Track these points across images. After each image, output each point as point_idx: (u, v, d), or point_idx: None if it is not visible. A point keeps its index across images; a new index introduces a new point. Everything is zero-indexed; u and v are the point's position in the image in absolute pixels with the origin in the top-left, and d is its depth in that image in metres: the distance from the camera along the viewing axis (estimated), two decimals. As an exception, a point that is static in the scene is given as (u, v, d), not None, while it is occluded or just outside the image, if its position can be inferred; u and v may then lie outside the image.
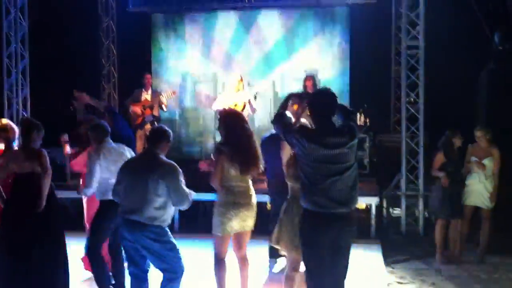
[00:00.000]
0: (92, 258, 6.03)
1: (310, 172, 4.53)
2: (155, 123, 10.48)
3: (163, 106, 10.86)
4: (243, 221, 5.55)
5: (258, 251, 7.30)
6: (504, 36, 11.23)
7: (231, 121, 5.60)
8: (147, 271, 5.32)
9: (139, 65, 12.49)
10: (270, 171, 6.85)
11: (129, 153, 6.14)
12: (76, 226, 7.63)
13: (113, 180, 5.65)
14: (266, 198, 7.48)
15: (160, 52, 12.96)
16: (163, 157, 5.19)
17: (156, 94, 10.96)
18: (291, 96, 5.10)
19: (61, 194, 7.34)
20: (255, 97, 10.35)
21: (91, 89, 13.46)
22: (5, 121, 6.38)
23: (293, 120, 5.46)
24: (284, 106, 5.08)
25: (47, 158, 5.70)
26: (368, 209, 9.03)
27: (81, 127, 7.19)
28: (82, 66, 12.86)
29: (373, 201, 8.84)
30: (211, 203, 5.85)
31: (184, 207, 5.25)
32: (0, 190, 5.69)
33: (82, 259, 6.68)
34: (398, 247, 8.36)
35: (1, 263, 5.58)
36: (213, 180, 5.44)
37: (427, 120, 9.30)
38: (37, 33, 11.02)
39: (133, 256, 5.19)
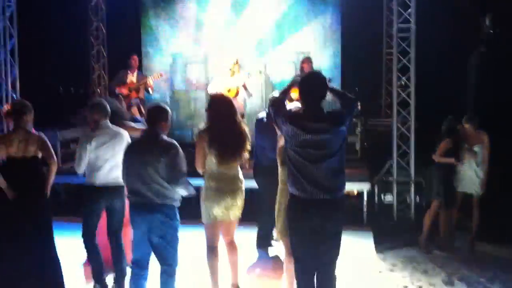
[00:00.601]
0: (84, 246, 6.00)
1: (295, 157, 4.53)
2: (141, 106, 10.42)
3: (149, 89, 10.74)
4: (227, 210, 5.49)
5: (246, 238, 7.38)
6: (495, 20, 11.24)
7: (217, 107, 5.53)
8: (148, 263, 5.25)
9: (129, 45, 12.38)
10: (259, 152, 6.92)
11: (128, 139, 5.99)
12: (68, 212, 7.61)
13: (99, 163, 5.76)
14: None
15: (150, 32, 12.77)
16: (165, 136, 5.15)
17: (142, 76, 10.85)
18: (294, 84, 4.98)
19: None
20: (248, 76, 10.26)
21: (80, 69, 13.48)
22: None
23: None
24: (285, 91, 4.96)
25: (50, 145, 5.78)
26: (359, 195, 9.05)
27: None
28: (71, 45, 12.75)
29: (364, 187, 8.84)
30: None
31: (181, 188, 5.09)
32: None
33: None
34: (390, 234, 8.39)
35: None
36: (196, 164, 5.48)
37: (418, 105, 9.27)
38: (25, 12, 10.85)
39: (138, 242, 5.16)
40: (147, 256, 5.21)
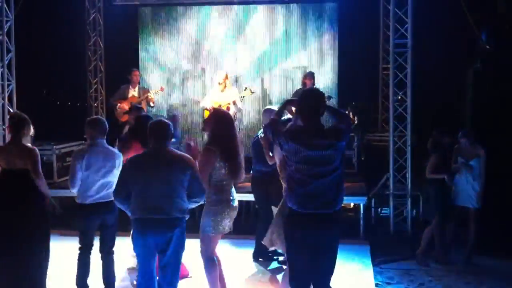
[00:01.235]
0: (78, 258, 5.98)
1: (295, 172, 4.56)
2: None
3: (150, 103, 10.80)
4: (231, 222, 5.58)
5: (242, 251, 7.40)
6: (491, 35, 11.29)
7: (220, 122, 5.56)
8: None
9: (126, 60, 12.43)
10: (258, 169, 7.13)
11: (119, 161, 5.95)
12: (63, 225, 7.60)
13: (91, 181, 5.72)
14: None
15: (147, 47, 12.86)
16: (175, 150, 5.18)
17: (143, 91, 10.89)
18: (287, 104, 5.07)
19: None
20: (242, 98, 10.36)
21: (77, 84, 13.50)
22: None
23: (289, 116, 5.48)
24: (279, 113, 5.06)
25: (39, 158, 5.70)
26: (356, 208, 9.04)
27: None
28: (69, 60, 12.77)
29: (361, 201, 8.85)
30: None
31: (201, 200, 5.22)
32: None
33: None
34: (387, 247, 8.37)
35: None
36: (203, 179, 5.35)
37: (415, 119, 9.30)
38: (23, 26, 10.87)
39: (145, 260, 5.07)
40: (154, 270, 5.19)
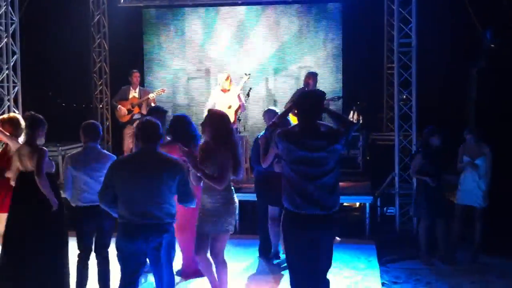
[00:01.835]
0: (77, 261, 5.97)
1: (290, 173, 4.63)
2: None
3: (152, 104, 10.78)
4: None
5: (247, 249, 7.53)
6: (496, 34, 11.27)
7: (219, 121, 5.56)
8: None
9: (131, 61, 12.43)
10: (258, 168, 7.19)
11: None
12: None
13: (82, 185, 5.69)
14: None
15: (152, 48, 12.91)
16: (164, 152, 4.97)
17: (144, 92, 10.90)
18: (291, 109, 5.11)
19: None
20: (248, 94, 10.30)
21: (82, 85, 13.53)
22: (13, 115, 6.57)
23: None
24: (284, 115, 5.11)
25: (44, 158, 5.72)
26: (362, 208, 9.04)
27: None
28: (73, 62, 12.80)
29: (367, 200, 8.89)
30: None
31: (191, 205, 5.05)
32: None
33: None
34: (392, 246, 8.35)
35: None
36: (226, 179, 5.37)
37: (420, 118, 9.29)
38: (27, 28, 10.91)
39: (128, 267, 4.85)
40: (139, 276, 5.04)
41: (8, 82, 10.02)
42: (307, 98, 4.80)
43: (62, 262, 5.86)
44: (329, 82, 11.89)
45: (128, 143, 10.36)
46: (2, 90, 9.99)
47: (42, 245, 5.70)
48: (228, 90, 9.77)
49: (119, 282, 4.88)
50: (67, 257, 5.92)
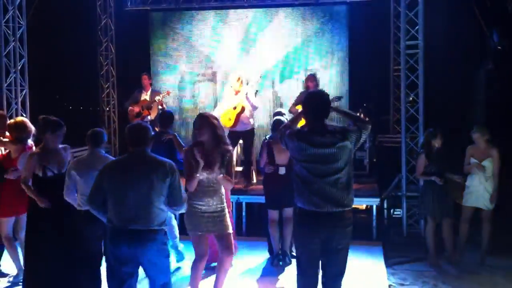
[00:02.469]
0: None
1: (302, 171, 4.64)
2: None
3: (159, 106, 10.79)
4: None
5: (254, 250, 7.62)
6: (503, 35, 11.26)
7: (214, 123, 5.64)
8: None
9: (138, 64, 12.50)
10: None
11: None
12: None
13: (84, 190, 5.62)
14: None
15: (158, 51, 12.94)
16: (155, 155, 4.84)
17: (153, 93, 10.94)
18: (301, 114, 5.12)
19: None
20: (256, 93, 10.22)
21: (89, 89, 13.58)
22: (19, 119, 6.65)
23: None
24: (295, 120, 5.16)
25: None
26: (369, 210, 9.03)
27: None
28: (80, 65, 12.85)
29: (374, 202, 8.87)
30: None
31: (181, 209, 4.97)
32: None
33: None
34: (400, 248, 8.34)
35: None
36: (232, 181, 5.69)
37: (427, 120, 9.27)
38: (35, 32, 10.96)
39: (116, 275, 4.69)
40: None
41: (15, 85, 10.08)
42: (314, 98, 4.82)
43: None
44: (335, 85, 11.89)
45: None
46: (10, 94, 10.04)
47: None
48: (239, 91, 9.69)
49: None
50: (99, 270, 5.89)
